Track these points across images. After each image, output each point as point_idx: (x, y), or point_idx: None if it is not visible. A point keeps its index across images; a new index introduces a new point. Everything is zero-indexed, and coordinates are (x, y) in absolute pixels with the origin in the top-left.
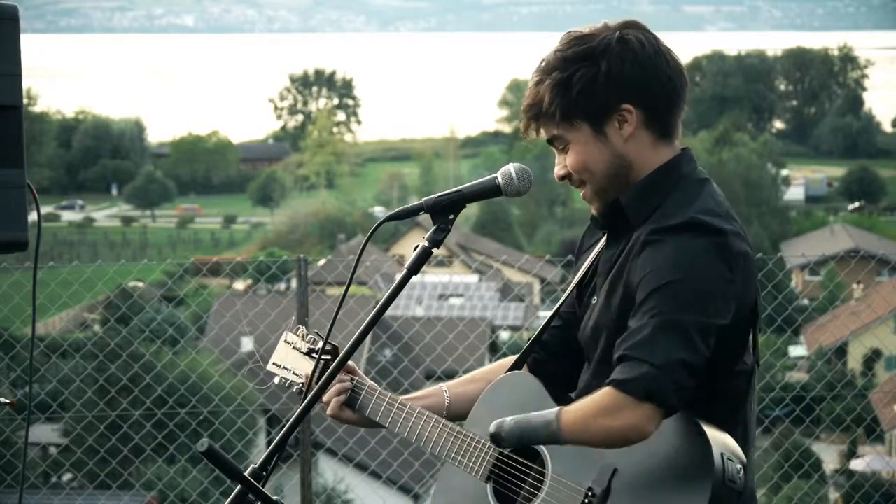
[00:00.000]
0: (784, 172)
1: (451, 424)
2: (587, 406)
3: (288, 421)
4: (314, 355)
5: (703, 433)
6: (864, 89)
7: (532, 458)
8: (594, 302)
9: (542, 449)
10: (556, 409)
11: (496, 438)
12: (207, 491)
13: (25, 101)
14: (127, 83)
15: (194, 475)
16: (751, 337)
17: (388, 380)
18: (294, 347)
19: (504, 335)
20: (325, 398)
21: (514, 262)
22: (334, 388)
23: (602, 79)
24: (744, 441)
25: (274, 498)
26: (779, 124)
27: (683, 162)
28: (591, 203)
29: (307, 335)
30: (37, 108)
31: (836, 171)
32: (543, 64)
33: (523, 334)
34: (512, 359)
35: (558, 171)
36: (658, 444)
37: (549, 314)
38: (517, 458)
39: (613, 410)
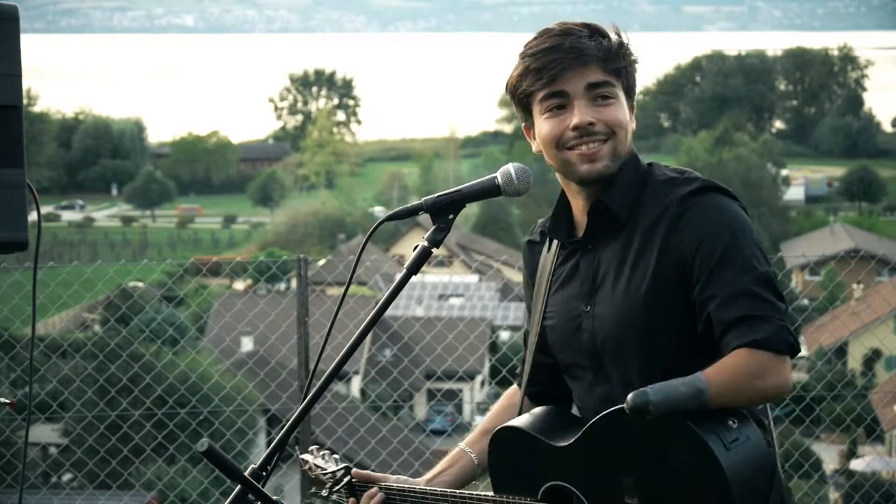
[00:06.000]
0: (784, 172)
1: (481, 494)
2: (734, 371)
3: (288, 421)
4: (330, 489)
5: (683, 423)
6: (864, 89)
7: (561, 500)
8: (594, 307)
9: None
10: (702, 378)
11: (640, 409)
12: (207, 491)
13: (25, 101)
14: (127, 83)
15: (194, 475)
16: None
17: (388, 380)
18: (311, 474)
19: (504, 335)
20: None
21: (514, 262)
22: (374, 501)
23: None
24: None
25: (274, 498)
26: (779, 124)
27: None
28: (596, 162)
29: (321, 453)
30: (37, 108)
31: (836, 171)
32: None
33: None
34: (513, 394)
35: (583, 117)
36: (670, 456)
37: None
38: None
39: (762, 371)
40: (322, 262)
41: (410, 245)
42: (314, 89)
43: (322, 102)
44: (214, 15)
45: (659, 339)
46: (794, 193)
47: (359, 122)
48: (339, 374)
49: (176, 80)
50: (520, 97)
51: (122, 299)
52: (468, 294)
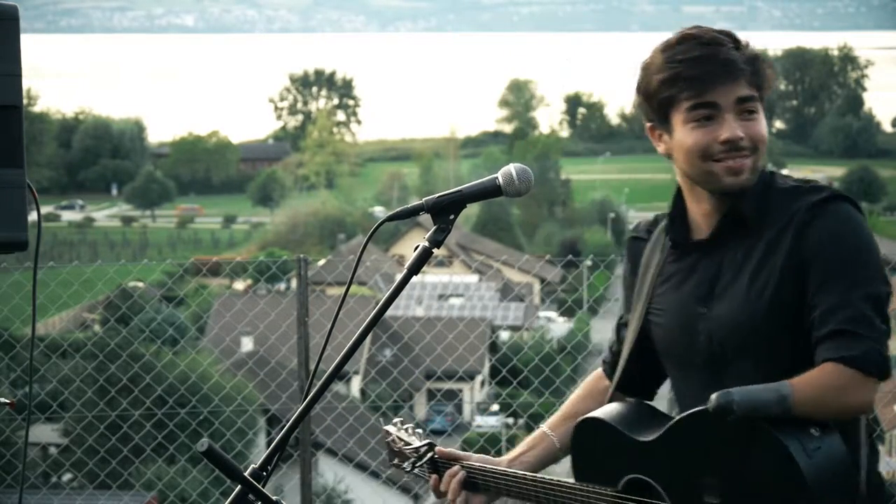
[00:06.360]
0: (784, 173)
1: (563, 481)
2: (818, 383)
3: (288, 421)
4: (413, 464)
5: (765, 427)
6: (864, 89)
7: (641, 494)
8: (712, 309)
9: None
10: (788, 384)
11: (724, 409)
12: (207, 491)
13: (25, 101)
14: (127, 83)
15: (194, 475)
16: None
17: (388, 380)
18: (395, 447)
19: (504, 335)
20: (449, 496)
21: (514, 262)
22: (456, 480)
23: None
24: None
25: (274, 498)
26: (779, 124)
27: None
28: (740, 176)
29: (405, 427)
30: (37, 108)
31: (836, 171)
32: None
33: (523, 334)
34: (596, 379)
35: (734, 132)
36: (751, 460)
37: (550, 314)
38: (635, 499)
39: (848, 388)
40: (322, 262)
41: (410, 245)
42: (314, 89)
43: (322, 102)
44: (214, 15)
45: (780, 344)
46: None
47: (359, 122)
48: (339, 374)
49: (176, 80)
50: (660, 100)
51: (122, 299)
52: (468, 294)
